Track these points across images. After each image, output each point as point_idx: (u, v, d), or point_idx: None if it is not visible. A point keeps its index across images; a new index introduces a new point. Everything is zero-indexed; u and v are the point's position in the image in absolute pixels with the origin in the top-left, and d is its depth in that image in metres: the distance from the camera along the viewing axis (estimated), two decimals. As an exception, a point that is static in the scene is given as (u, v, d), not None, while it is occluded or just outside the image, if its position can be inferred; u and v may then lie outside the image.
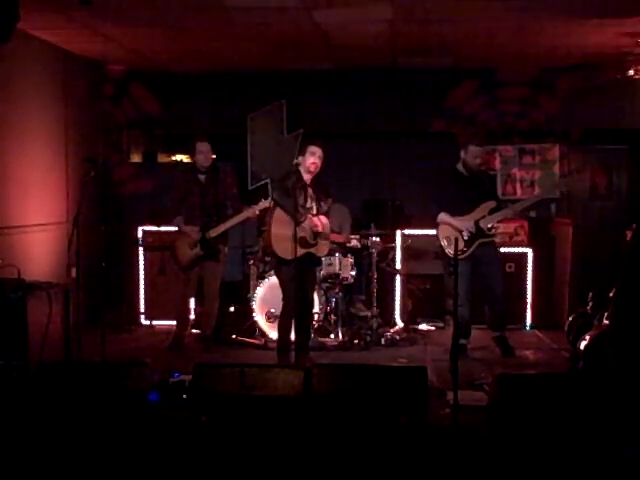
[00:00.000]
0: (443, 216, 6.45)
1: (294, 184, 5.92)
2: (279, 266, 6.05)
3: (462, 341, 6.39)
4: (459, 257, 6.15)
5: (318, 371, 4.44)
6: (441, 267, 6.81)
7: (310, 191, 6.05)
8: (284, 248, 5.95)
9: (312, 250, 6.03)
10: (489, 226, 6.39)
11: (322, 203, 6.10)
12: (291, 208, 5.85)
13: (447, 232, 6.42)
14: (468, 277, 6.26)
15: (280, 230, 5.94)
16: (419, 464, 3.88)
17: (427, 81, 8.56)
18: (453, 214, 6.42)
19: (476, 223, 6.35)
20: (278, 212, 5.96)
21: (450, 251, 6.38)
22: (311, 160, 5.96)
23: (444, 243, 6.45)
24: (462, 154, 6.52)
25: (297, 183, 5.96)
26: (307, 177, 6.02)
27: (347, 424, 4.18)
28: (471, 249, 6.35)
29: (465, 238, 6.33)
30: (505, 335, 6.63)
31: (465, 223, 6.37)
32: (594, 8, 6.08)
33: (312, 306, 6.35)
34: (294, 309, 5.98)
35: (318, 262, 6.36)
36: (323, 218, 6.06)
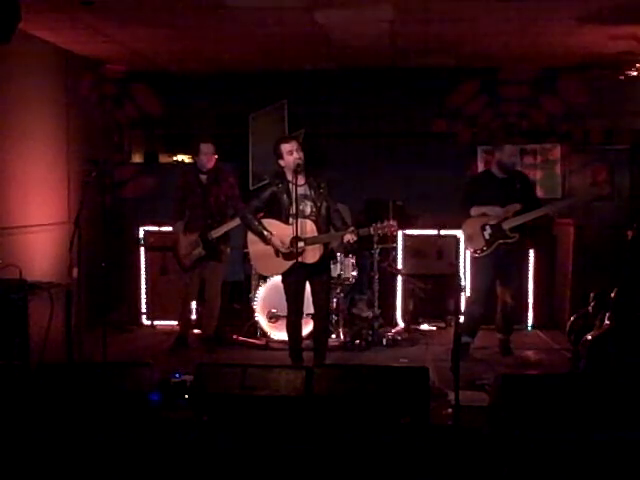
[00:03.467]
0: (475, 209, 6.37)
1: (273, 193, 5.69)
2: (283, 275, 5.88)
3: (466, 339, 6.40)
4: (478, 255, 6.36)
5: (319, 371, 4.44)
6: (442, 267, 6.83)
7: (301, 190, 5.66)
8: (265, 266, 5.96)
9: (299, 259, 5.56)
10: (510, 228, 6.31)
11: (321, 194, 5.69)
12: (259, 229, 5.71)
13: (470, 230, 6.42)
14: (489, 276, 6.37)
15: (256, 248, 5.85)
16: (421, 464, 3.88)
17: (428, 81, 8.56)
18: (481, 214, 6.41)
19: (499, 224, 6.31)
20: (250, 233, 5.87)
21: (470, 248, 6.46)
22: (290, 158, 5.64)
23: (465, 240, 6.50)
24: (497, 155, 6.46)
25: (281, 190, 5.66)
26: (298, 177, 5.64)
27: (348, 424, 4.18)
28: (490, 249, 6.32)
29: (487, 237, 6.32)
30: (509, 339, 6.67)
31: (495, 209, 6.29)
32: (594, 14, 6.11)
33: (324, 313, 5.97)
34: (295, 315, 5.86)
35: (324, 267, 5.86)
36: (308, 223, 5.62)
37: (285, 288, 5.89)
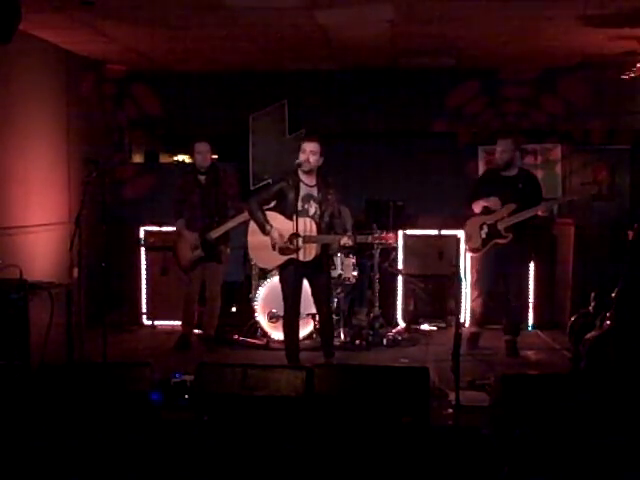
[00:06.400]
0: (475, 203, 6.48)
1: (282, 189, 5.77)
2: (279, 270, 5.99)
3: (475, 329, 6.72)
4: (474, 254, 6.57)
5: (320, 371, 4.44)
6: (443, 267, 6.89)
7: (309, 191, 5.79)
8: (261, 257, 6.03)
9: (296, 255, 5.67)
10: (505, 227, 6.38)
11: (328, 200, 5.80)
12: (261, 220, 5.79)
13: (469, 229, 6.58)
14: (489, 275, 6.55)
15: (255, 239, 5.93)
16: (421, 464, 3.88)
17: (428, 81, 8.58)
18: (480, 214, 6.52)
19: (495, 223, 6.41)
20: (252, 223, 5.95)
21: (468, 247, 6.66)
22: (302, 157, 5.73)
23: (464, 238, 6.68)
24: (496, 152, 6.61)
25: (289, 186, 5.74)
26: (307, 177, 5.79)
27: (349, 424, 4.18)
28: (485, 248, 6.46)
29: (483, 236, 6.46)
30: (515, 340, 6.67)
31: (492, 199, 6.39)
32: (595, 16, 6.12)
33: (326, 310, 6.02)
34: (292, 312, 5.90)
35: (322, 267, 5.90)
36: (308, 222, 5.70)
37: (281, 285, 5.96)
